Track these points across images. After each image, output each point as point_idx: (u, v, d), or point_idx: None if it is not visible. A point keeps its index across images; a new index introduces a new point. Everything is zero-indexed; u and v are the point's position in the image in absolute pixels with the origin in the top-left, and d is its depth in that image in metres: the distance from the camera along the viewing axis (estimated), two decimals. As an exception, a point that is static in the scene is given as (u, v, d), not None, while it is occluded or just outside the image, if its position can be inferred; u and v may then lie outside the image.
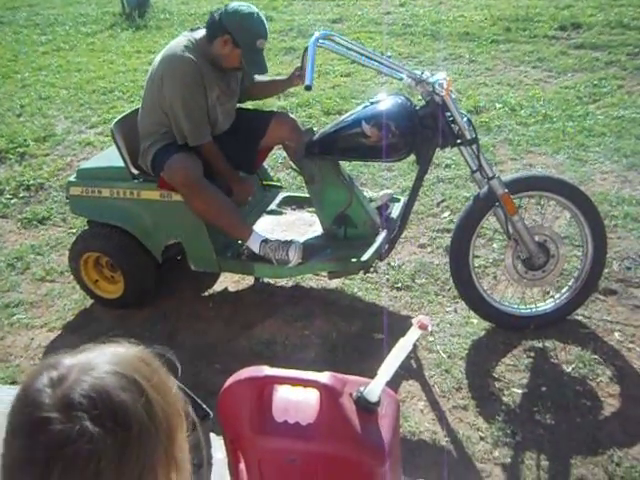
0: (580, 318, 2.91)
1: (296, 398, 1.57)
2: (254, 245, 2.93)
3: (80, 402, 0.78)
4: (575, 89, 5.41)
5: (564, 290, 2.92)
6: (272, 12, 8.86)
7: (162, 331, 3.11)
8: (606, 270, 3.08)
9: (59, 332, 3.18)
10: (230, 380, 1.57)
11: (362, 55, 2.76)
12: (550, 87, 5.55)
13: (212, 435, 2.13)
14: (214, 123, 2.98)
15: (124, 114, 3.20)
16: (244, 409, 1.55)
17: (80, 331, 3.17)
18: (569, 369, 2.64)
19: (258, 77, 3.37)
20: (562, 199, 2.77)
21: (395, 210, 3.15)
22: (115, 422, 0.78)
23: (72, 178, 3.27)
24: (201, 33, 2.90)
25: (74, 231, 4.01)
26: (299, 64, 3.09)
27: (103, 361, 0.84)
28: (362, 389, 1.55)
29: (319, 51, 2.64)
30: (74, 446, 0.76)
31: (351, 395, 1.55)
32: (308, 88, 2.53)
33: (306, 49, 2.95)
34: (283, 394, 1.58)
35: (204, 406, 2.03)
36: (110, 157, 3.26)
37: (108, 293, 3.29)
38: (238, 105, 3.28)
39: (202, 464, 1.98)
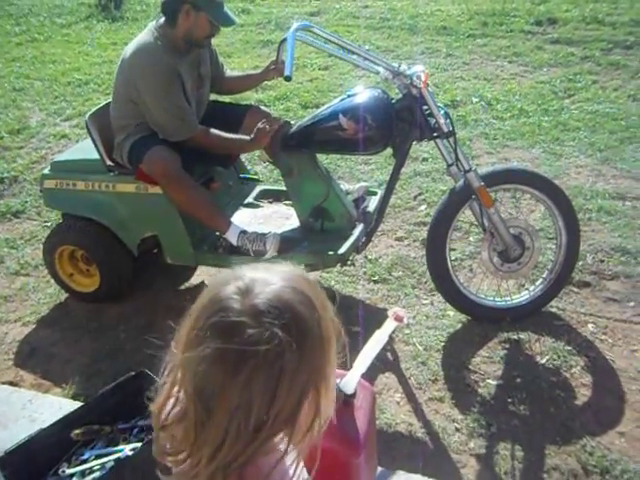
0: (554, 310, 2.94)
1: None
2: (232, 237, 2.92)
3: (268, 310, 0.87)
4: (550, 84, 5.46)
5: (538, 282, 2.94)
6: (250, 5, 8.83)
7: (138, 325, 3.09)
8: (580, 263, 3.12)
9: (33, 326, 3.15)
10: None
11: (340, 47, 2.76)
12: (526, 82, 5.60)
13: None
14: None
15: (99, 106, 3.17)
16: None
17: (55, 325, 3.14)
18: (543, 360, 2.67)
19: (231, 72, 3.35)
20: (537, 192, 2.79)
21: (372, 203, 3.15)
22: (297, 331, 0.88)
23: (46, 171, 3.23)
24: (163, 21, 2.86)
25: (49, 224, 3.96)
26: (274, 57, 3.08)
27: (279, 278, 0.93)
28: (338, 381, 1.55)
29: (297, 44, 2.63)
30: (265, 347, 0.85)
31: (327, 387, 1.55)
32: (288, 79, 2.52)
33: (281, 42, 2.95)
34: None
35: (180, 399, 2.02)
36: (85, 150, 3.22)
37: (83, 287, 3.26)
38: (213, 98, 3.26)
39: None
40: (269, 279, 0.92)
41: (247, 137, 2.92)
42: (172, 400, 0.94)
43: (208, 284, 0.95)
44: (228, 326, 0.87)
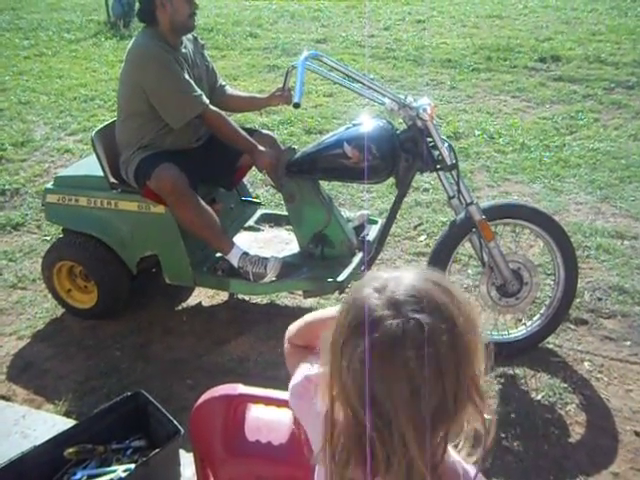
0: (551, 346, 2.94)
1: (269, 417, 1.57)
2: (234, 258, 2.93)
3: (406, 300, 0.88)
4: (552, 120, 5.51)
5: (536, 318, 2.95)
6: (257, 29, 8.93)
7: (133, 344, 3.08)
8: (577, 300, 3.13)
9: (28, 340, 3.14)
10: (203, 397, 1.56)
11: (347, 77, 2.79)
12: (528, 117, 5.65)
13: (181, 452, 2.12)
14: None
15: (105, 123, 3.19)
16: (216, 427, 1.54)
17: (50, 340, 3.13)
18: (539, 397, 2.66)
19: (235, 90, 3.36)
20: (536, 228, 2.81)
21: (372, 232, 3.17)
22: (441, 316, 0.87)
23: (49, 185, 3.24)
24: (145, 26, 2.94)
25: (48, 238, 3.96)
26: (281, 84, 3.10)
27: (413, 274, 0.93)
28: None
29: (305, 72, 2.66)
30: (411, 336, 0.85)
31: (324, 416, 1.55)
32: (297, 106, 2.54)
33: (288, 69, 2.98)
34: (256, 413, 1.57)
35: (175, 422, 2.02)
36: (89, 166, 3.24)
37: (81, 303, 3.25)
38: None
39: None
40: (403, 276, 0.93)
41: (256, 145, 2.95)
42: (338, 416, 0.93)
43: (350, 294, 0.95)
44: (371, 323, 0.87)
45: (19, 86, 6.90)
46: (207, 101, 2.89)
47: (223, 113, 2.96)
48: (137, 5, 2.95)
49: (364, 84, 2.77)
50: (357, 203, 4.24)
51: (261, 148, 2.94)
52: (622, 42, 7.57)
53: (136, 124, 2.93)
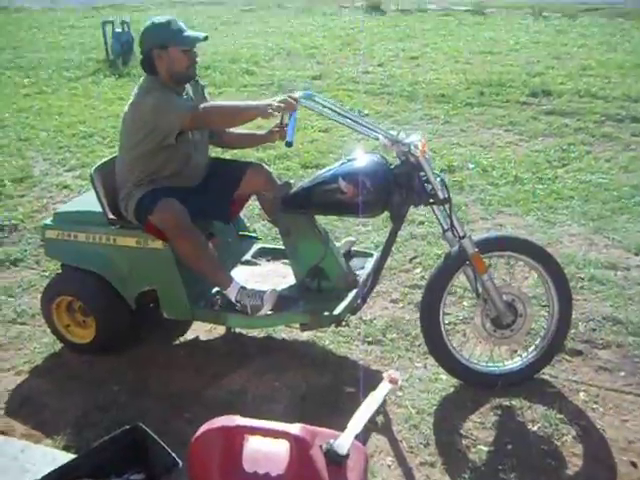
0: (547, 377, 2.96)
1: (267, 449, 1.59)
2: (232, 292, 2.96)
3: None
4: (545, 153, 5.60)
5: (531, 349, 2.97)
6: (253, 66, 9.08)
7: (132, 379, 3.09)
8: (572, 331, 3.16)
9: (27, 375, 3.14)
10: (202, 429, 1.58)
11: (340, 115, 2.86)
12: (521, 150, 5.74)
13: (180, 485, 2.13)
14: (187, 156, 3.03)
15: (104, 160, 3.24)
16: (215, 458, 1.56)
17: (48, 375, 3.14)
18: (535, 428, 2.67)
19: (235, 129, 3.43)
20: (530, 260, 2.85)
21: (368, 265, 3.21)
22: None
23: (48, 221, 3.28)
24: (147, 75, 3.02)
25: (47, 274, 3.99)
26: (278, 120, 3.16)
27: None
28: (332, 441, 1.58)
29: (300, 108, 2.73)
30: None
31: (321, 447, 1.57)
32: (289, 144, 2.60)
33: (285, 106, 3.04)
34: (254, 444, 1.59)
35: (173, 455, 2.03)
36: (87, 202, 3.28)
37: (79, 338, 3.27)
38: (214, 155, 3.33)
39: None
40: None
41: (258, 103, 2.81)
42: None
43: None
44: None
45: (19, 123, 7.00)
46: (193, 105, 2.91)
47: (210, 105, 2.96)
48: (135, 46, 3.03)
49: (357, 122, 2.84)
50: (353, 236, 4.27)
51: (264, 102, 2.80)
52: (612, 76, 7.73)
53: (137, 161, 2.98)
